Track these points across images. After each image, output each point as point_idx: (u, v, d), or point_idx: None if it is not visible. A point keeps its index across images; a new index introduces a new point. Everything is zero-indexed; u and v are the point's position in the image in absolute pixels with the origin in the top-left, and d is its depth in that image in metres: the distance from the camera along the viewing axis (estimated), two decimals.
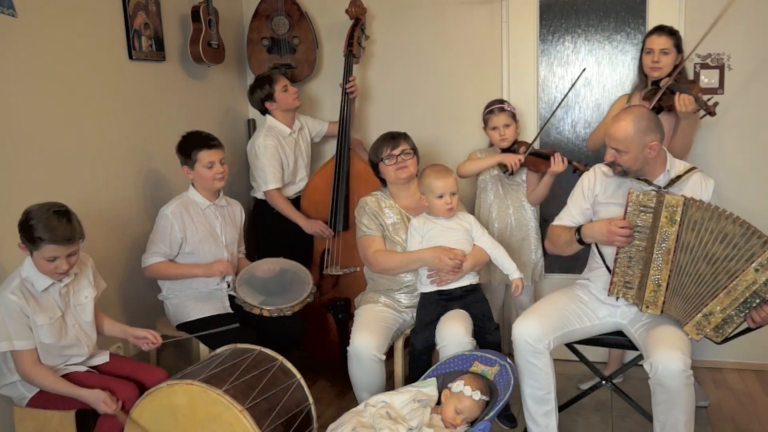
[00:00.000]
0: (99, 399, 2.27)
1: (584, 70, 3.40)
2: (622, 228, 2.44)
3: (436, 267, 2.74)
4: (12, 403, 2.43)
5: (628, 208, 2.46)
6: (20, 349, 2.26)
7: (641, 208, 2.44)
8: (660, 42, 3.02)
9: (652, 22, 3.50)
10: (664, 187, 2.52)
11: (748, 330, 2.44)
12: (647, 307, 2.47)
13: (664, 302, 2.45)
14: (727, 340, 2.42)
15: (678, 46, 3.04)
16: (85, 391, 2.28)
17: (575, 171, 3.13)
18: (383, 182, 3.01)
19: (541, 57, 3.72)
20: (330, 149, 3.79)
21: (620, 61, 3.63)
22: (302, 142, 3.66)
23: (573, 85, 3.29)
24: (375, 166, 2.97)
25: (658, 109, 3.02)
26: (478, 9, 3.73)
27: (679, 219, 2.38)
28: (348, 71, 3.57)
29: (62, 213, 2.25)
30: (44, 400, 2.35)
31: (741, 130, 3.45)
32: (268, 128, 3.52)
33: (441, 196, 2.74)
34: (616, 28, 3.61)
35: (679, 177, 2.57)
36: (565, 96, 3.36)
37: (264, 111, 3.57)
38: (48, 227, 2.20)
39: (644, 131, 2.47)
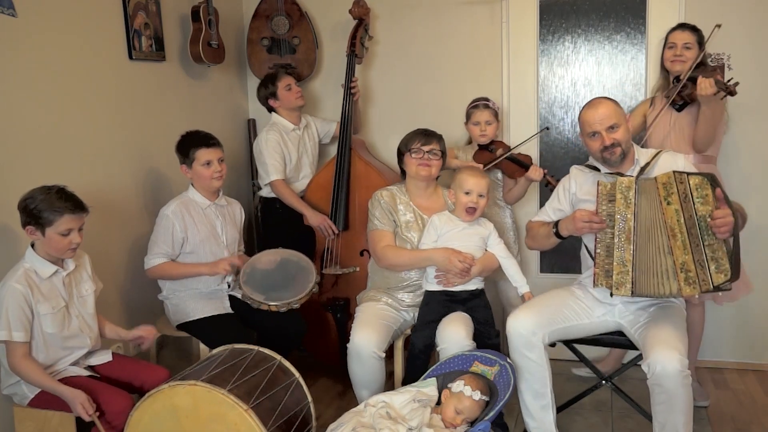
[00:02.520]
0: (77, 400, 2.23)
1: (546, 128, 3.67)
2: (584, 215, 2.49)
3: (444, 268, 2.74)
4: (12, 404, 2.43)
5: (598, 200, 2.50)
6: (16, 341, 2.27)
7: (609, 197, 2.49)
8: (683, 37, 3.06)
9: (652, 22, 3.51)
10: (637, 177, 2.54)
11: (736, 248, 2.37)
12: (617, 288, 2.45)
13: (633, 282, 2.44)
14: (734, 269, 2.33)
15: (700, 43, 3.08)
16: (66, 389, 2.26)
17: (547, 185, 3.16)
18: (403, 174, 3.00)
19: (541, 57, 3.72)
20: (334, 149, 3.79)
21: (620, 61, 3.63)
22: (308, 140, 3.67)
23: (529, 138, 3.47)
24: (401, 156, 2.97)
25: (682, 104, 3.02)
26: (478, 9, 3.73)
27: (633, 200, 2.43)
28: (350, 71, 3.57)
29: (61, 189, 2.35)
30: (45, 400, 2.34)
31: (741, 130, 3.45)
32: (271, 124, 3.57)
33: (468, 193, 2.76)
34: (616, 28, 3.61)
35: (648, 164, 2.61)
36: (530, 138, 3.49)
37: (269, 109, 3.61)
38: (58, 202, 2.29)
39: (617, 103, 2.64)
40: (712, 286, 2.32)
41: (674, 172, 2.40)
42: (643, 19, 3.54)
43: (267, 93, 3.57)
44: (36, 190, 2.32)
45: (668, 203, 2.38)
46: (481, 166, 3.18)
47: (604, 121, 2.56)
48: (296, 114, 3.62)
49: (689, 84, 2.98)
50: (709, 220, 2.33)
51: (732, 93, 2.87)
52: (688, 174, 2.38)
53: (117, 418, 2.32)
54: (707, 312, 3.48)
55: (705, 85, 2.85)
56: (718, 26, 3.02)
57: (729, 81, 2.88)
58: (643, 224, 2.43)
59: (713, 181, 2.36)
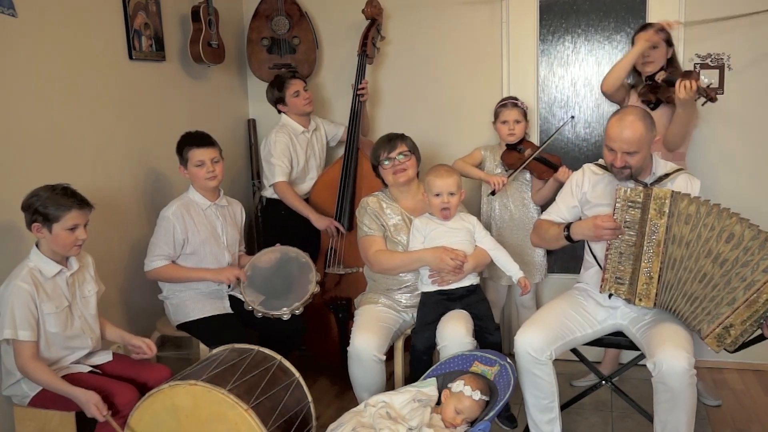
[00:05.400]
0: (90, 401, 2.24)
1: (572, 117, 3.61)
2: (608, 223, 2.47)
3: (437, 267, 2.74)
4: (12, 403, 2.42)
5: (617, 205, 2.49)
6: (23, 340, 2.27)
7: (629, 204, 2.47)
8: (648, 36, 3.02)
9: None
10: (651, 185, 2.53)
11: (761, 338, 2.42)
12: (640, 300, 2.47)
13: (656, 294, 2.46)
14: (739, 349, 2.41)
15: (668, 41, 3.06)
16: (78, 390, 2.26)
17: None
18: (385, 183, 3.01)
19: (541, 57, 3.72)
20: (341, 149, 3.78)
21: None
22: (316, 143, 3.67)
23: (558, 129, 3.46)
24: (375, 169, 2.98)
25: (656, 103, 3.03)
26: (478, 9, 3.73)
27: (667, 211, 2.41)
28: (361, 72, 3.57)
29: (65, 187, 2.38)
30: (45, 399, 2.35)
31: (741, 130, 3.45)
32: (281, 126, 3.55)
33: (438, 195, 2.75)
34: (616, 28, 3.61)
35: (667, 175, 2.60)
36: (557, 130, 3.47)
37: (278, 110, 3.61)
38: (63, 198, 2.32)
39: (650, 128, 2.52)
40: (719, 348, 2.39)
41: None
42: (643, 19, 3.53)
43: (274, 98, 3.56)
44: (40, 189, 2.33)
45: None
46: (453, 169, 3.08)
47: (624, 146, 2.48)
48: (306, 118, 3.61)
49: (664, 85, 2.98)
50: None
51: (713, 99, 2.86)
52: None
53: (124, 410, 2.33)
54: None
55: (685, 87, 2.82)
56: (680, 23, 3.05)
57: (709, 86, 2.88)
58: (703, 250, 2.38)
59: None
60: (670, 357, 2.32)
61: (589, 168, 2.75)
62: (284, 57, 3.89)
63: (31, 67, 2.63)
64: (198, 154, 2.92)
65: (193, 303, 2.95)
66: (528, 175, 3.37)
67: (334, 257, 3.47)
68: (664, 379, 2.34)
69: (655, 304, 2.47)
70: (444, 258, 2.70)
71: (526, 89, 3.73)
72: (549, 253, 3.50)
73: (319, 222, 3.45)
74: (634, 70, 3.16)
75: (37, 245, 2.37)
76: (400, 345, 2.89)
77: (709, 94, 2.85)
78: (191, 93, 3.63)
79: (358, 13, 3.65)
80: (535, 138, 3.71)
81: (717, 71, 3.33)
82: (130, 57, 3.15)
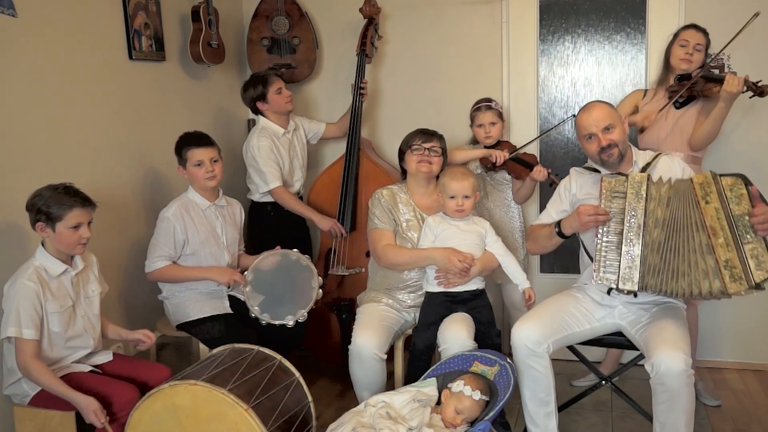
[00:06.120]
0: (90, 408, 2.24)
1: (574, 116, 3.51)
2: (590, 209, 2.49)
3: (444, 268, 2.75)
4: (12, 403, 2.42)
5: (602, 196, 2.51)
6: (26, 338, 2.27)
7: (614, 194, 2.49)
8: (697, 37, 3.08)
9: (652, 22, 3.51)
10: (648, 174, 2.54)
11: None
12: (624, 283, 2.45)
13: (641, 277, 2.43)
14: None
15: (706, 48, 3.11)
16: (79, 395, 2.26)
17: (551, 185, 3.16)
18: (404, 174, 3.01)
19: (541, 57, 3.72)
20: (336, 149, 3.77)
21: (620, 61, 3.63)
22: (297, 143, 3.62)
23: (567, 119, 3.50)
24: (401, 154, 2.98)
25: (684, 101, 3.04)
26: (478, 9, 3.73)
27: (644, 194, 2.44)
28: (361, 71, 3.56)
29: (68, 186, 2.39)
30: (45, 399, 2.34)
31: (741, 131, 3.45)
32: (261, 129, 3.46)
33: (453, 197, 2.77)
34: (616, 28, 3.61)
35: (648, 164, 2.64)
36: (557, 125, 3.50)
37: (255, 110, 3.52)
38: (66, 197, 2.33)
39: (612, 106, 2.69)
40: (754, 284, 2.30)
41: (711, 172, 2.41)
42: (643, 19, 3.54)
43: (255, 95, 3.44)
44: (42, 189, 2.34)
45: (707, 202, 2.37)
46: (465, 167, 3.13)
47: (599, 123, 2.58)
48: (285, 117, 3.54)
49: (700, 80, 3.00)
50: (747, 219, 2.33)
51: (762, 93, 2.88)
52: (721, 175, 2.40)
53: (125, 409, 2.33)
54: (708, 312, 3.49)
55: (734, 82, 2.85)
56: (757, 14, 3.01)
57: (758, 82, 2.89)
58: (669, 222, 2.42)
59: (747, 180, 2.37)
60: (668, 358, 2.32)
61: (575, 171, 2.79)
62: (284, 57, 3.89)
63: (31, 67, 2.63)
64: (197, 154, 2.92)
65: (192, 303, 2.95)
66: (507, 175, 3.36)
67: (336, 258, 3.46)
68: (662, 380, 2.34)
69: (639, 287, 2.44)
70: (452, 259, 2.71)
71: (526, 89, 3.73)
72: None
73: (323, 223, 3.43)
74: (665, 63, 3.18)
75: (42, 244, 2.38)
76: (400, 345, 2.89)
77: (760, 89, 2.87)
78: (191, 93, 3.63)
79: (358, 13, 3.65)
80: (534, 136, 3.71)
81: (717, 71, 3.33)
82: (130, 57, 3.15)
